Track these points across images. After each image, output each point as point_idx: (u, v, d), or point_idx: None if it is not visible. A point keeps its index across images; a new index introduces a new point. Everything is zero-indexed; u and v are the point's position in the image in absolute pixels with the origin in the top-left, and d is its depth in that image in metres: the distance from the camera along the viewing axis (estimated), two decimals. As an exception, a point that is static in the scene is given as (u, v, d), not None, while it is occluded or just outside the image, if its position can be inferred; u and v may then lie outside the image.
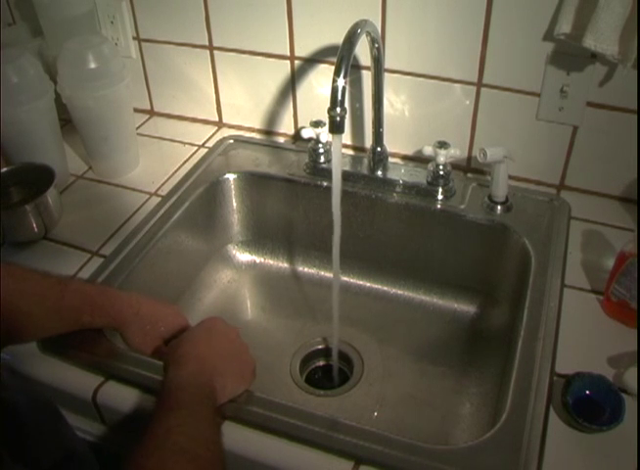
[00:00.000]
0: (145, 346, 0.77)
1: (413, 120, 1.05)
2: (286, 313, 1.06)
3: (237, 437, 0.69)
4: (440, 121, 1.03)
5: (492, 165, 0.94)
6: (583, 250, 0.91)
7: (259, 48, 1.08)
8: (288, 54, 1.07)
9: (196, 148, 1.16)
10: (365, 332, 1.01)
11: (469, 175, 1.07)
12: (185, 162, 1.12)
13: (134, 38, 1.16)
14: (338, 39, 0.77)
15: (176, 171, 1.09)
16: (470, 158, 1.05)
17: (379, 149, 1.01)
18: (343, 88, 0.73)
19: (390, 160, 1.05)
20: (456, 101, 1.00)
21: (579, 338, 0.78)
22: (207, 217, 1.08)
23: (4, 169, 0.97)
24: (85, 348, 0.78)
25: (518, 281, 0.92)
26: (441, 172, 0.98)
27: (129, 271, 0.89)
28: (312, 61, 1.06)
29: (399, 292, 1.07)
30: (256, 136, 1.19)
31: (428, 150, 0.97)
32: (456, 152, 0.96)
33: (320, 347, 1.00)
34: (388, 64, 0.98)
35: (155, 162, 1.13)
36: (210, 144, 1.16)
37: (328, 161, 1.05)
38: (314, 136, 1.04)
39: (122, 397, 0.74)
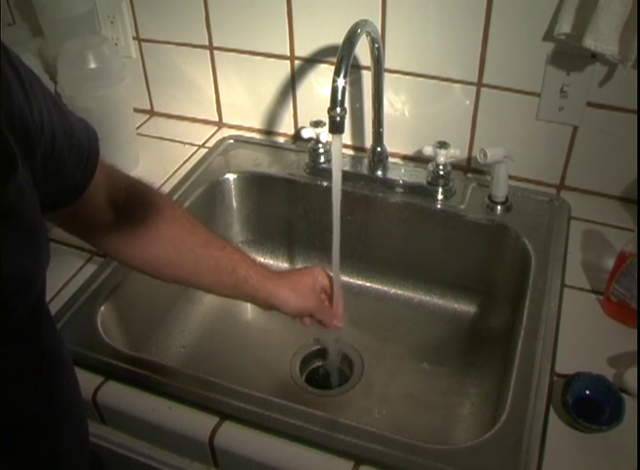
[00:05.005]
0: (303, 302, 0.79)
1: (413, 120, 1.05)
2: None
3: (237, 437, 0.69)
4: (440, 121, 1.03)
5: (492, 166, 0.94)
6: (583, 250, 0.91)
7: (259, 48, 1.08)
8: (288, 54, 1.07)
9: (196, 148, 1.16)
10: (365, 332, 1.01)
11: (469, 175, 1.07)
12: (185, 162, 1.12)
13: (134, 38, 1.16)
14: (338, 39, 0.77)
15: (176, 171, 1.09)
16: (470, 158, 1.05)
17: (379, 149, 1.02)
18: (343, 88, 0.73)
19: (390, 160, 1.05)
20: (456, 101, 1.00)
21: (579, 338, 0.78)
22: (207, 217, 1.08)
23: (4, 169, 0.97)
24: (85, 348, 0.78)
25: (518, 281, 0.92)
26: (441, 172, 0.98)
27: (129, 271, 0.89)
28: (312, 61, 1.06)
29: (399, 292, 1.07)
30: (256, 136, 1.19)
31: (428, 150, 0.97)
32: (456, 152, 0.96)
33: (320, 347, 1.00)
34: (388, 64, 0.98)
35: (155, 162, 1.13)
36: (210, 144, 1.16)
37: (328, 161, 1.05)
38: (314, 136, 1.04)
39: (122, 397, 0.74)
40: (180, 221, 0.73)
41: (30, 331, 0.52)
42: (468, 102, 0.99)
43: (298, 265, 1.12)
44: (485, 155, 0.90)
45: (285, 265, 1.13)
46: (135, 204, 0.70)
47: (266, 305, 0.78)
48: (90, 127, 0.63)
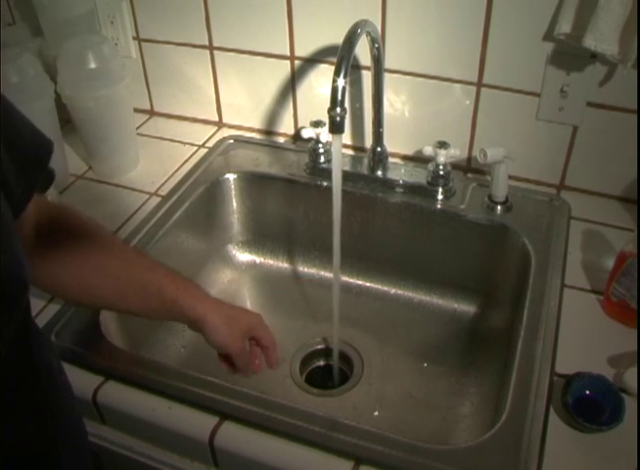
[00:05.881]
0: (230, 340, 0.73)
1: (413, 120, 1.05)
2: (286, 313, 1.06)
3: (237, 437, 0.69)
4: (440, 121, 1.03)
5: (492, 166, 0.94)
6: (583, 250, 0.91)
7: (259, 48, 1.08)
8: (288, 54, 1.07)
9: (196, 148, 1.16)
10: (365, 332, 1.01)
11: (469, 175, 1.07)
12: (185, 162, 1.12)
13: (134, 38, 1.16)
14: (338, 39, 0.77)
15: (176, 171, 1.09)
16: (470, 158, 1.05)
17: (379, 149, 1.01)
18: (343, 88, 0.73)
19: (390, 160, 1.05)
20: (456, 101, 1.00)
21: (579, 338, 0.78)
22: (207, 217, 1.08)
23: (4, 169, 0.96)
24: (85, 348, 0.78)
25: (518, 281, 0.92)
26: (441, 172, 0.98)
27: (129, 271, 0.89)
28: (312, 61, 1.06)
29: (399, 292, 1.07)
30: (256, 136, 1.19)
31: (428, 150, 0.97)
32: (456, 152, 0.96)
33: (320, 347, 1.00)
34: (388, 64, 0.98)
35: (155, 162, 1.13)
36: (210, 144, 1.16)
37: (328, 161, 1.05)
38: (314, 136, 1.03)
39: (122, 397, 0.74)
40: (106, 246, 0.71)
41: (18, 348, 0.51)
42: (468, 102, 0.99)
43: (299, 265, 1.12)
44: (485, 155, 0.90)
45: (285, 265, 1.13)
46: (59, 231, 0.67)
47: (194, 327, 0.74)
48: (45, 140, 0.57)
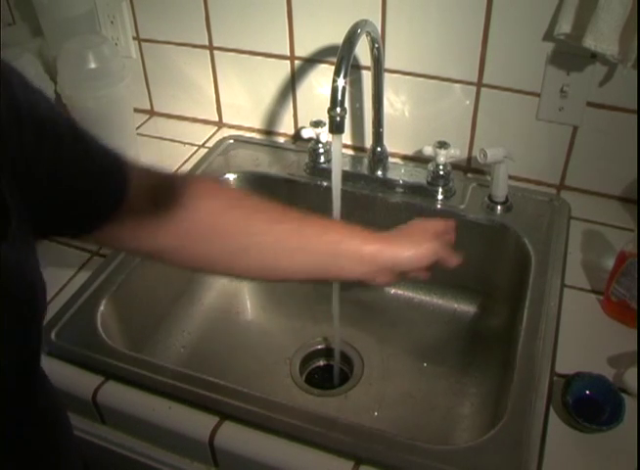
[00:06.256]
0: (420, 244, 0.70)
1: (413, 120, 1.05)
2: (286, 313, 1.06)
3: (237, 437, 0.69)
4: (440, 121, 1.03)
5: (492, 166, 0.94)
6: (583, 250, 0.91)
7: (259, 48, 1.08)
8: (288, 54, 1.07)
9: (196, 148, 1.16)
10: (365, 332, 1.01)
11: (469, 175, 1.07)
12: (185, 162, 1.12)
13: (134, 38, 1.16)
14: (338, 39, 0.77)
15: (176, 171, 1.09)
16: (470, 158, 1.05)
17: (379, 149, 1.02)
18: (343, 88, 0.73)
19: (390, 160, 1.05)
20: (456, 101, 1.00)
21: (579, 338, 0.78)
22: (207, 217, 1.08)
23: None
24: (85, 348, 0.78)
25: (518, 281, 0.92)
26: (441, 172, 0.98)
27: (129, 271, 0.89)
28: (312, 61, 1.06)
29: (399, 292, 1.07)
30: (256, 136, 1.19)
31: (428, 150, 0.97)
32: (456, 152, 0.96)
33: (320, 347, 1.00)
34: (388, 64, 0.98)
35: (155, 162, 1.13)
36: (210, 144, 1.16)
37: (328, 161, 1.05)
38: (314, 136, 1.03)
39: (122, 397, 0.74)
40: (246, 207, 0.69)
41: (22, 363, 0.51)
42: (468, 102, 0.99)
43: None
44: (485, 155, 0.90)
45: (285, 265, 1.13)
46: (171, 193, 0.65)
47: (375, 265, 0.68)
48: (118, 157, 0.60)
